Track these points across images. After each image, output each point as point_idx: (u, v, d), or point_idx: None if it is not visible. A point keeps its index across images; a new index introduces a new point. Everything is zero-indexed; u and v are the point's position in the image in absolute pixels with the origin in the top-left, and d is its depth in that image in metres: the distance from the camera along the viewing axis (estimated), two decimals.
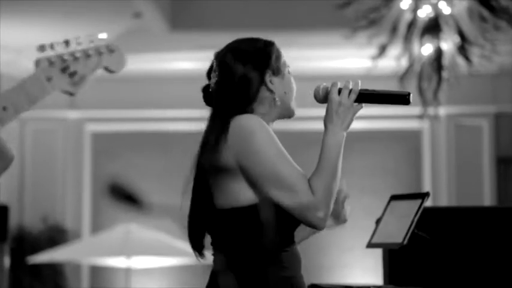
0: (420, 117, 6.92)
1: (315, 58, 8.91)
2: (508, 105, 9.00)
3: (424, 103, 6.61)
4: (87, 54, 1.92)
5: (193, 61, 8.79)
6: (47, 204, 9.05)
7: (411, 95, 2.54)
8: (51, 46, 1.91)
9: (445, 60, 6.43)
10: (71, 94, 1.95)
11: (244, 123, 2.47)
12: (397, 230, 3.08)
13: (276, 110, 2.58)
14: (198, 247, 2.58)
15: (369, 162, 9.00)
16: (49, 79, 1.91)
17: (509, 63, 8.72)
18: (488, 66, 7.08)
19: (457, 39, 6.35)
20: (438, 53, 6.39)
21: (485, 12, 6.28)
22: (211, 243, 2.55)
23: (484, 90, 8.92)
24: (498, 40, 6.40)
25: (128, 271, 7.55)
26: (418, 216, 3.05)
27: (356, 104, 2.52)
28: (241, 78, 2.56)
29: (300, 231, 2.58)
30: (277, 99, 2.57)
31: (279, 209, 2.44)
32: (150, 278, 8.78)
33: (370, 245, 3.24)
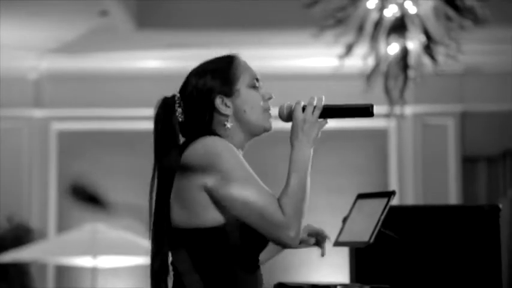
0: (387, 116, 6.95)
1: (283, 57, 8.91)
2: (474, 105, 9.07)
3: (391, 102, 6.65)
4: None
5: (160, 60, 8.76)
6: (12, 204, 8.97)
7: (374, 106, 2.54)
8: None
9: (411, 60, 6.47)
10: None
11: (209, 143, 2.43)
12: (364, 229, 3.09)
13: (240, 130, 2.54)
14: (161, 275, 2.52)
15: (336, 160, 9.02)
16: None
17: (474, 62, 8.79)
18: (454, 66, 7.13)
19: (422, 38, 6.39)
20: (404, 52, 6.42)
21: (451, 12, 6.32)
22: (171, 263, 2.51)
23: (450, 89, 8.98)
24: (463, 39, 6.45)
25: (94, 270, 7.52)
26: (385, 215, 3.06)
27: (321, 119, 2.52)
28: (190, 112, 2.54)
29: (267, 251, 2.57)
30: (227, 123, 2.54)
31: (245, 232, 2.42)
32: (116, 278, 8.74)
33: (337, 243, 3.25)
